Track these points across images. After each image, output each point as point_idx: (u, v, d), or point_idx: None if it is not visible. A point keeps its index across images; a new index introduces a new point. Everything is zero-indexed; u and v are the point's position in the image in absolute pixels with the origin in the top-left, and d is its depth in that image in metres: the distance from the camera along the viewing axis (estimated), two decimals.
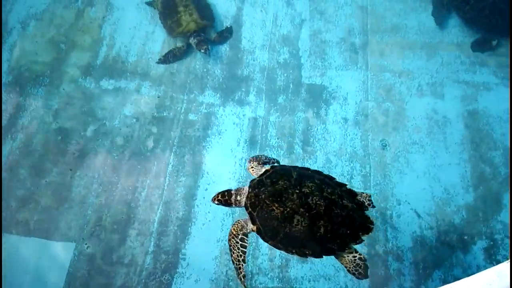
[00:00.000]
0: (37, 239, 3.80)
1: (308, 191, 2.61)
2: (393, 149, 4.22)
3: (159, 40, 4.87)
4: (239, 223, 2.80)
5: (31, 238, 3.80)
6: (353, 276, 2.64)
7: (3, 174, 4.04)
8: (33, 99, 4.42)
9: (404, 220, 3.88)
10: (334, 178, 2.82)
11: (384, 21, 4.98)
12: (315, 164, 4.15)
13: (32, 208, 3.91)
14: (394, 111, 4.42)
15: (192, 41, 4.69)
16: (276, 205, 2.59)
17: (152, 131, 4.31)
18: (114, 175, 4.07)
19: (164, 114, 4.40)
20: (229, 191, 2.87)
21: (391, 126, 4.35)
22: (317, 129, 4.34)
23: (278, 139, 4.30)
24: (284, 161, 4.13)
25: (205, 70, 4.69)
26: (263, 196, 2.64)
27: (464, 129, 4.30)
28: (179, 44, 4.76)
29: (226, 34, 4.89)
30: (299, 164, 4.11)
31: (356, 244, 2.65)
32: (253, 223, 2.68)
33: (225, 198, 2.84)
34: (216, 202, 2.87)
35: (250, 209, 2.68)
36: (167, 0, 4.89)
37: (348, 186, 2.79)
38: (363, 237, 2.64)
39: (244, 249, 2.77)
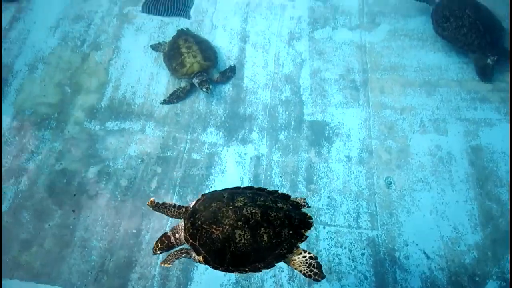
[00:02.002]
0: (39, 284, 3.60)
1: (241, 204, 2.51)
2: (398, 187, 4.07)
3: (163, 81, 4.85)
4: (186, 249, 2.62)
5: (32, 283, 3.60)
6: (309, 278, 2.47)
7: (7, 218, 3.91)
8: (37, 141, 4.33)
9: (413, 261, 3.69)
10: (266, 189, 2.73)
11: (383, 59, 4.94)
12: (319, 202, 4.01)
13: (34, 252, 3.75)
14: (397, 148, 4.30)
15: (195, 81, 4.66)
16: (214, 226, 2.45)
17: (157, 171, 4.20)
18: (117, 218, 3.92)
19: (168, 154, 4.31)
20: (165, 234, 2.68)
21: (395, 164, 4.22)
22: (320, 167, 4.22)
23: (281, 177, 4.18)
24: None
25: (208, 110, 4.64)
26: (199, 222, 2.49)
27: (468, 166, 4.16)
28: (183, 84, 4.74)
29: (228, 74, 4.87)
30: None
31: (301, 242, 2.54)
32: (198, 253, 2.50)
33: (165, 243, 2.65)
34: (158, 252, 2.65)
35: (191, 241, 2.52)
36: (172, 43, 4.91)
37: (279, 192, 2.70)
38: (306, 234, 2.55)
39: (180, 252, 2.62)
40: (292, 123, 4.52)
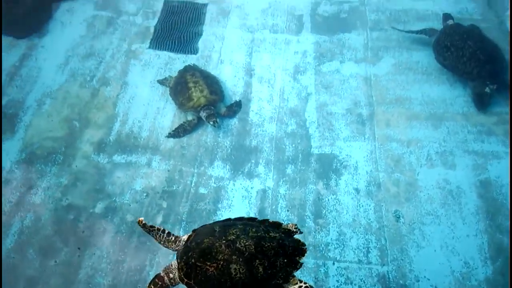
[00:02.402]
0: None
1: (234, 237, 2.51)
2: (407, 221, 4.07)
3: (169, 115, 4.94)
4: None
5: None
6: None
7: (13, 254, 3.91)
8: (44, 176, 4.39)
9: None
10: (256, 219, 2.75)
11: (388, 93, 5.05)
12: (328, 237, 4.00)
13: None
14: (405, 182, 4.32)
15: (202, 114, 4.76)
16: (208, 263, 2.44)
17: (162, 206, 4.23)
18: (122, 254, 3.91)
19: (174, 188, 4.34)
20: (157, 275, 2.66)
21: (403, 197, 4.23)
22: (329, 200, 4.24)
23: (288, 211, 4.19)
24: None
25: (215, 143, 4.71)
26: (193, 260, 2.48)
27: (478, 199, 4.16)
28: (189, 117, 4.84)
29: (235, 108, 4.97)
30: (311, 238, 3.97)
31: (297, 270, 2.53)
32: None
33: (158, 285, 2.61)
34: None
35: (186, 280, 2.50)
36: (179, 78, 5.05)
37: (270, 220, 2.72)
38: (301, 260, 2.55)
39: None
40: (300, 156, 4.58)
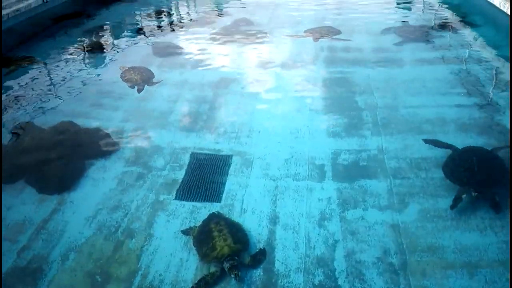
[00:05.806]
0: None
1: None
2: None
3: (192, 268, 5.12)
4: None
5: None
6: None
7: None
8: None
9: None
10: None
11: (419, 240, 5.27)
12: None
13: None
14: None
15: (225, 265, 4.95)
16: None
17: None
18: None
19: None
20: None
21: None
22: None
23: None
24: None
25: None
26: None
27: None
28: (212, 270, 5.02)
29: (259, 257, 5.17)
30: None
31: None
32: None
33: None
34: None
35: None
36: (203, 226, 5.41)
37: None
38: None
39: None
40: None
